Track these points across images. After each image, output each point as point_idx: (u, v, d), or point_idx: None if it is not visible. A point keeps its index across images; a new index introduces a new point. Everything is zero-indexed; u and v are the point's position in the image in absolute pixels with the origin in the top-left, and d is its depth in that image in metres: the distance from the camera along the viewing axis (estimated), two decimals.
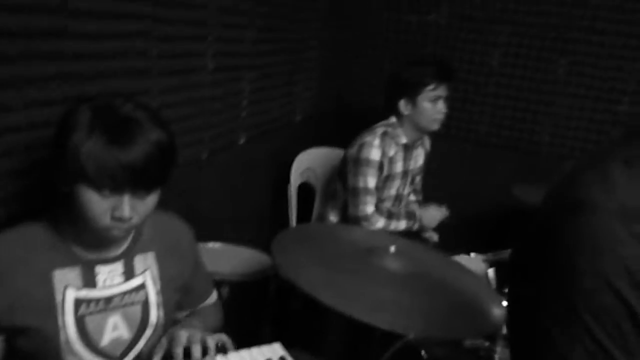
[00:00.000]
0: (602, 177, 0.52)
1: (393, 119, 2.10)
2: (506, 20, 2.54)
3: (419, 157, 2.23)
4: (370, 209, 1.99)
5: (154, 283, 1.16)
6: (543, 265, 0.53)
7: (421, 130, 2.09)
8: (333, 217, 2.20)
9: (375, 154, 2.00)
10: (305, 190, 2.52)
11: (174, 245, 1.22)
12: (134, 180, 0.96)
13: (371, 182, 2.00)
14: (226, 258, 1.83)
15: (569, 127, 2.55)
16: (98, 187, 0.95)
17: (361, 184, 2.00)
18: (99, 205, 0.96)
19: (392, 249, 1.38)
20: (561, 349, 0.50)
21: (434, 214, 2.15)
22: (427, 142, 2.27)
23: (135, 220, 1.01)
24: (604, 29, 2.39)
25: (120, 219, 0.98)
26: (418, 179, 2.29)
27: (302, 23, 2.60)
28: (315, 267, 1.36)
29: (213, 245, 1.90)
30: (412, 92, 2.03)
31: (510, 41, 2.56)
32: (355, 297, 1.27)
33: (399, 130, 2.08)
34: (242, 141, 2.19)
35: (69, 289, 1.05)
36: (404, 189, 2.19)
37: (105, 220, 0.98)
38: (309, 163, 2.51)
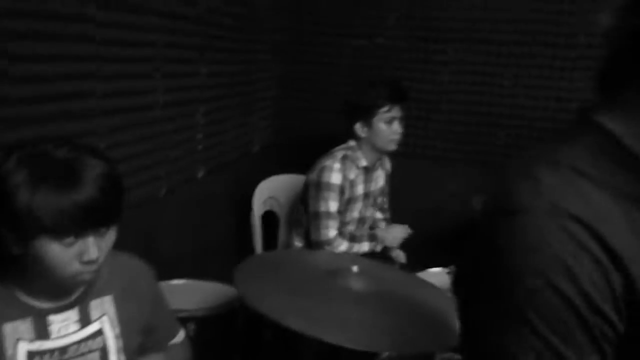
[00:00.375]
0: (532, 181, 0.54)
1: (352, 143, 2.12)
2: (452, 39, 2.63)
3: (379, 179, 2.25)
4: (332, 232, 1.99)
5: (113, 328, 1.12)
6: (486, 274, 0.54)
7: (379, 152, 2.12)
8: (298, 244, 2.19)
9: (336, 178, 2.01)
10: (270, 218, 2.51)
11: (133, 286, 1.19)
12: (95, 219, 0.95)
13: (333, 206, 2.00)
14: (191, 294, 1.79)
15: (520, 136, 2.63)
16: (61, 237, 0.93)
17: (323, 208, 2.00)
18: (64, 254, 0.94)
19: (355, 269, 1.38)
20: (513, 353, 0.50)
21: (396, 234, 2.16)
22: (386, 162, 2.30)
23: (101, 259, 0.99)
24: (543, 41, 2.50)
25: (90, 262, 0.96)
26: (380, 199, 2.31)
27: (255, 54, 2.63)
28: (280, 293, 1.35)
29: (177, 282, 1.86)
30: (367, 115, 2.06)
31: (457, 59, 2.64)
32: (322, 320, 1.27)
33: (359, 153, 2.10)
34: (200, 175, 2.18)
35: (20, 342, 1.00)
36: (366, 211, 2.21)
37: (73, 267, 0.96)
38: (271, 191, 2.50)
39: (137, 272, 1.23)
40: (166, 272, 1.91)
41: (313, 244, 2.04)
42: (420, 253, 2.25)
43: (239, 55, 2.44)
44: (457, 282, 0.60)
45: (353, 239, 2.06)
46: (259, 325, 1.78)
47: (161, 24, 1.80)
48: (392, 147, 2.10)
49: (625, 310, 0.49)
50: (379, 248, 2.13)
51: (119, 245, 1.04)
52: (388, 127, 2.05)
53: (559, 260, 0.48)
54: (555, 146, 0.58)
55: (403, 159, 2.34)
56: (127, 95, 1.67)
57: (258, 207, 2.42)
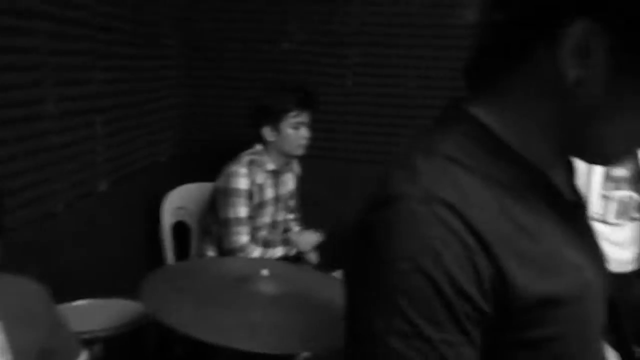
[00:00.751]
0: (408, 169, 0.55)
1: (259, 147, 2.12)
2: (355, 42, 2.70)
3: (288, 182, 2.26)
4: (244, 239, 1.97)
5: (2, 356, 1.04)
6: (362, 262, 0.55)
7: (286, 156, 2.13)
8: (211, 253, 2.15)
9: (243, 183, 1.99)
10: (181, 229, 2.43)
11: (25, 310, 1.11)
12: None
13: (242, 211, 1.98)
14: (96, 314, 1.70)
15: None
16: None
17: (232, 215, 1.98)
18: None
19: (265, 272, 1.38)
20: (383, 339, 0.51)
21: (308, 239, 2.19)
22: (295, 165, 2.31)
23: None
24: (443, 44, 2.62)
25: None
26: (291, 202, 2.32)
27: (157, 60, 2.55)
28: (189, 305, 1.31)
29: (80, 303, 1.76)
30: (275, 119, 2.07)
31: (361, 61, 2.71)
32: (234, 328, 1.25)
33: (266, 157, 2.10)
34: (102, 188, 2.07)
35: None
36: (277, 215, 2.20)
37: None
38: (181, 201, 2.43)
39: (29, 294, 1.14)
40: (69, 292, 1.80)
41: (226, 251, 2.01)
42: (331, 254, 2.28)
43: (139, 62, 2.35)
44: (344, 275, 0.60)
45: (267, 244, 2.05)
46: (171, 341, 1.72)
47: (49, 29, 1.69)
48: (300, 151, 2.12)
49: (492, 293, 0.51)
50: (293, 252, 2.14)
51: (11, 267, 0.96)
52: (295, 132, 2.07)
53: (428, 245, 0.50)
54: (430, 136, 0.60)
55: (312, 160, 2.36)
56: (11, 105, 1.55)
57: (167, 218, 2.34)
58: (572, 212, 0.65)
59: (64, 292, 1.80)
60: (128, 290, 1.84)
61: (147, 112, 2.45)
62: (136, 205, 2.39)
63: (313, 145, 2.18)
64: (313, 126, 2.20)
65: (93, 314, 1.70)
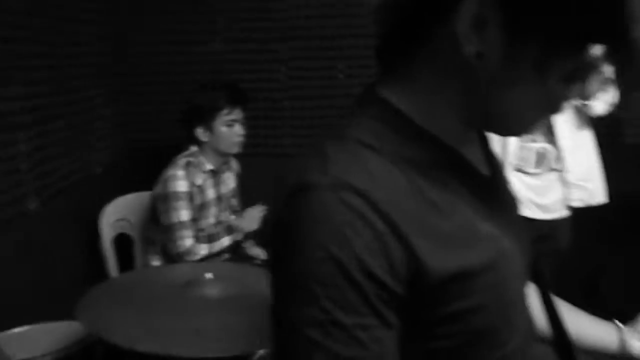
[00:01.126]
0: (320, 158, 0.55)
1: (194, 148, 2.08)
2: (287, 37, 2.69)
3: (229, 180, 2.23)
4: (188, 242, 1.94)
5: None
6: (278, 251, 0.55)
7: (222, 155, 2.11)
8: (156, 262, 2.10)
9: (182, 186, 1.96)
10: (124, 241, 2.36)
11: None
12: None
13: (184, 215, 1.95)
14: (39, 339, 1.63)
15: None
16: None
17: (175, 219, 1.94)
18: None
19: (209, 275, 1.36)
20: (299, 328, 0.51)
21: (252, 215, 2.14)
22: (234, 164, 2.28)
23: None
24: (366, 32, 2.65)
25: None
26: (234, 201, 2.29)
27: (84, 68, 2.45)
28: (133, 317, 1.28)
29: (19, 330, 1.68)
30: (207, 119, 2.04)
31: (292, 55, 2.71)
32: (183, 335, 1.23)
33: (202, 158, 2.07)
34: (33, 206, 1.97)
35: None
36: (221, 215, 2.18)
37: None
38: (120, 213, 2.36)
39: None
40: (7, 320, 1.71)
41: (174, 257, 1.96)
42: None
43: (63, 71, 2.24)
44: (268, 269, 0.60)
45: (212, 238, 2.02)
46: (120, 356, 1.66)
47: None
48: (235, 149, 2.10)
49: (405, 273, 0.52)
50: (241, 236, 2.10)
51: None
52: (229, 130, 2.05)
53: (338, 232, 0.50)
54: (345, 121, 0.61)
55: (250, 158, 2.35)
56: None
57: (107, 231, 2.26)
58: (487, 185, 0.66)
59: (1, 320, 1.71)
60: (72, 311, 1.77)
61: (76, 125, 2.35)
62: (73, 221, 2.30)
63: (251, 142, 2.16)
64: (250, 123, 2.18)
65: (35, 339, 1.64)
